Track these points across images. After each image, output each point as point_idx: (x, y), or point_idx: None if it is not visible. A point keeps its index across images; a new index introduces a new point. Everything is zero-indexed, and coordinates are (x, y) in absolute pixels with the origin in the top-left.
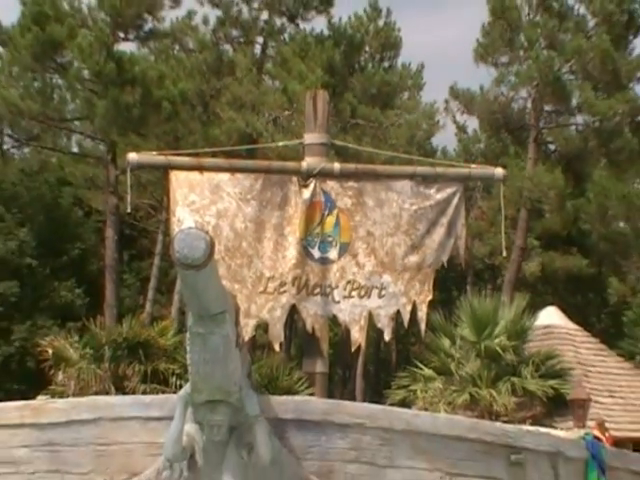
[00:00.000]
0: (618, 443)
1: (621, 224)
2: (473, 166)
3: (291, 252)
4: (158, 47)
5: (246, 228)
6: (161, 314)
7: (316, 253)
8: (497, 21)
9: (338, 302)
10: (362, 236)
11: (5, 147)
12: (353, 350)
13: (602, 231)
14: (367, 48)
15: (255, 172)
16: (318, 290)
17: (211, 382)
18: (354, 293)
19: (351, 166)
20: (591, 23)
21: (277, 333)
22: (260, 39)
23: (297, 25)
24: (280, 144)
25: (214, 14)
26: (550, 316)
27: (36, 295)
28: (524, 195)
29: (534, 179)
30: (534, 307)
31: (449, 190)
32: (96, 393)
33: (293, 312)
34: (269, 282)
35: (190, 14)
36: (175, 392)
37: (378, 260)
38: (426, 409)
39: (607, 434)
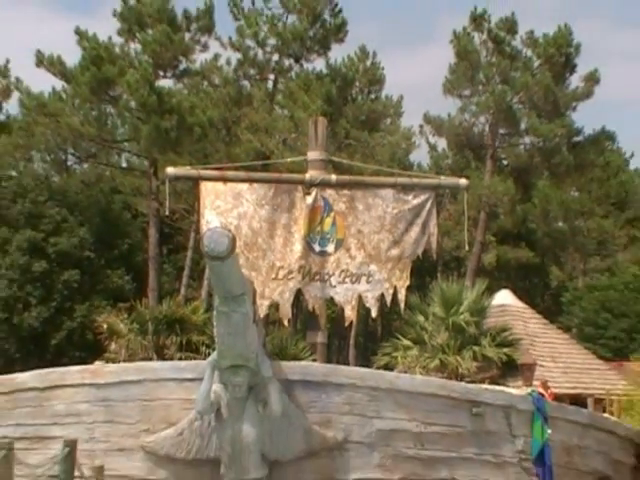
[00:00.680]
0: (557, 398)
1: (560, 224)
2: (442, 177)
3: (297, 246)
4: (190, 83)
5: (261, 227)
6: (193, 296)
7: (317, 247)
8: (461, 62)
9: (334, 287)
10: (353, 234)
11: (69, 163)
12: (346, 325)
13: (545, 229)
14: (357, 83)
15: (268, 182)
16: (318, 277)
17: (233, 351)
18: (347, 279)
19: (345, 177)
20: (536, 63)
21: (286, 311)
22: (272, 76)
23: (301, 65)
24: (288, 160)
25: (235, 56)
26: (504, 297)
27: (93, 281)
28: (483, 200)
29: (491, 188)
30: (491, 290)
31: (423, 197)
32: (141, 359)
33: (298, 294)
34: (279, 270)
35: (216, 56)
36: (205, 359)
37: (366, 253)
38: (405, 372)
39: (549, 391)
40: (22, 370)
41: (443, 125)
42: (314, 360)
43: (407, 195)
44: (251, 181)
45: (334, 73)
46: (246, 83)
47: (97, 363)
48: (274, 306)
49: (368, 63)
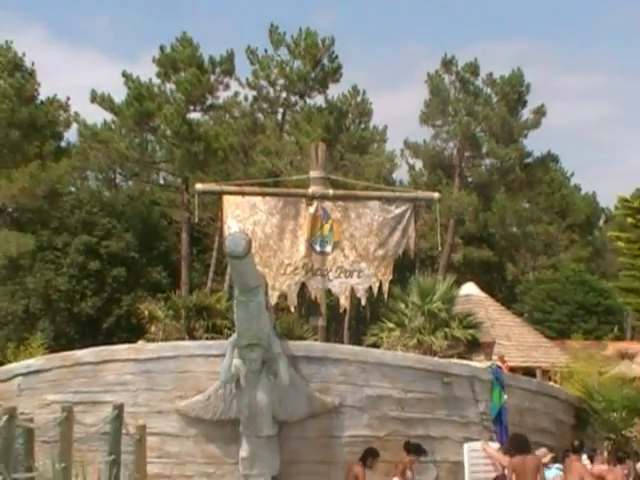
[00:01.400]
0: (512, 370)
1: (514, 229)
2: (419, 192)
3: (301, 247)
4: (215, 115)
5: (272, 232)
6: (217, 288)
7: (317, 248)
8: (434, 98)
9: (332, 280)
10: (347, 237)
11: (117, 181)
12: (341, 311)
13: (502, 233)
14: (350, 115)
15: (278, 196)
16: (319, 272)
17: (250, 332)
18: (342, 274)
19: (340, 192)
20: (494, 99)
21: (292, 300)
22: (281, 109)
23: (305, 100)
24: (294, 178)
25: (251, 94)
26: (469, 288)
27: (136, 276)
28: (452, 210)
29: (458, 200)
30: (458, 283)
31: (403, 207)
32: (175, 339)
33: (303, 286)
34: (287, 267)
35: (235, 94)
36: (227, 339)
37: (357, 253)
38: (389, 349)
39: (505, 364)
40: (80, 348)
41: (419, 149)
42: (315, 340)
43: (390, 206)
44: (264, 195)
45: (331, 107)
46: (260, 115)
47: (140, 342)
48: (283, 296)
49: (359, 99)
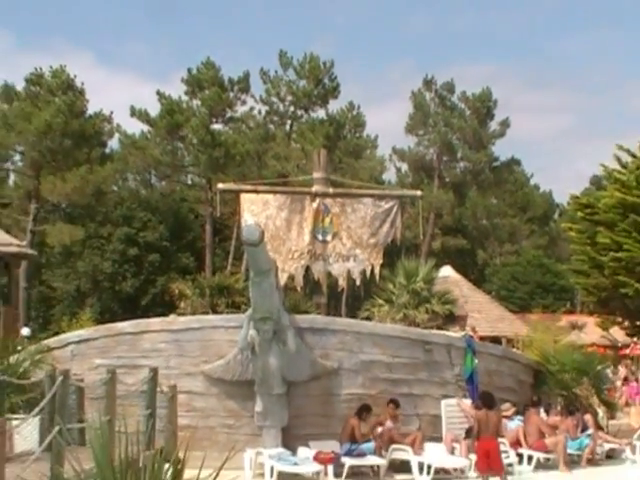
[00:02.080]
0: (482, 339)
1: (484, 221)
2: (404, 190)
3: (306, 237)
4: (233, 126)
5: (281, 224)
6: (236, 271)
7: (320, 237)
8: (417, 112)
9: (331, 264)
10: (345, 228)
11: (152, 181)
12: (340, 290)
13: (474, 225)
14: (347, 126)
15: (286, 194)
16: (321, 257)
17: (263, 308)
18: (340, 259)
19: (338, 190)
20: (467, 113)
21: (298, 281)
22: (289, 121)
23: (309, 114)
24: (300, 178)
25: (264, 108)
26: (446, 271)
27: (168, 261)
28: (432, 205)
29: (437, 197)
30: (437, 266)
31: (392, 203)
32: (201, 314)
33: (307, 269)
34: (294, 253)
35: (251, 108)
36: (244, 313)
37: (353, 241)
38: (379, 322)
39: (476, 334)
40: (121, 321)
41: (405, 154)
42: (318, 314)
43: (381, 202)
44: (275, 193)
45: (331, 119)
46: (271, 126)
47: (171, 316)
48: (290, 277)
49: (354, 112)
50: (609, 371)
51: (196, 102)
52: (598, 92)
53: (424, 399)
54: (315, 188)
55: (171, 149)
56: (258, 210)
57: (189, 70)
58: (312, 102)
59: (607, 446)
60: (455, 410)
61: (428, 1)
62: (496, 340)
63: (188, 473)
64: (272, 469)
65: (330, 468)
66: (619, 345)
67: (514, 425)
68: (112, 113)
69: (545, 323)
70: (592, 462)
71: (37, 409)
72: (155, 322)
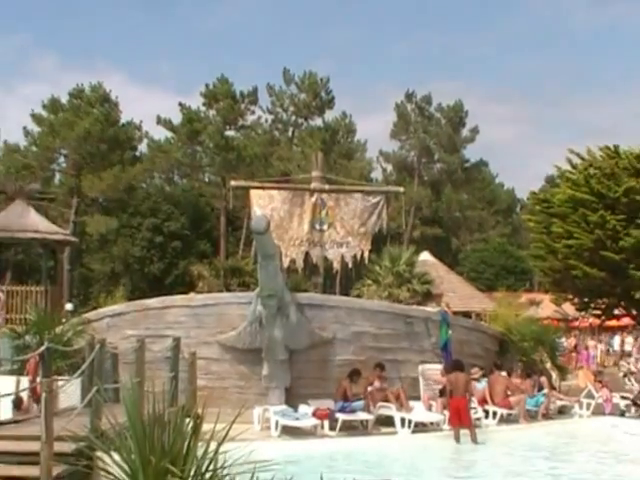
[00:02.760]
0: (455, 313)
1: (457, 213)
2: (389, 187)
3: (306, 226)
4: (244, 132)
5: (284, 216)
6: (246, 256)
7: (317, 227)
8: (400, 120)
9: (327, 250)
10: (339, 219)
11: (175, 179)
12: (334, 272)
13: (448, 216)
14: (340, 132)
15: (288, 190)
16: (318, 244)
17: (269, 286)
18: (335, 245)
19: (333, 187)
20: (443, 121)
21: (299, 264)
22: (291, 128)
23: (308, 122)
24: (300, 177)
25: (270, 117)
26: (425, 256)
27: (189, 247)
28: (413, 200)
29: (417, 193)
30: (417, 252)
31: (378, 198)
32: (216, 292)
33: (307, 254)
34: (295, 240)
35: (259, 117)
36: (253, 291)
37: (346, 230)
38: (368, 299)
39: (450, 309)
40: (149, 298)
41: (390, 156)
42: (315, 292)
43: (369, 197)
44: (279, 189)
45: (327, 127)
46: (276, 133)
47: (191, 294)
48: (292, 261)
49: (347, 121)
50: (564, 340)
51: (212, 112)
52: (551, 104)
53: (405, 364)
54: (313, 185)
55: (191, 152)
56: (265, 204)
57: (206, 85)
58: (311, 112)
59: (559, 403)
60: (431, 373)
61: (409, 28)
62: (467, 314)
63: (205, 427)
64: (277, 423)
65: (326, 423)
66: (569, 318)
67: (481, 386)
68: (141, 122)
69: (508, 300)
70: (546, 416)
71: (79, 372)
72: (177, 299)
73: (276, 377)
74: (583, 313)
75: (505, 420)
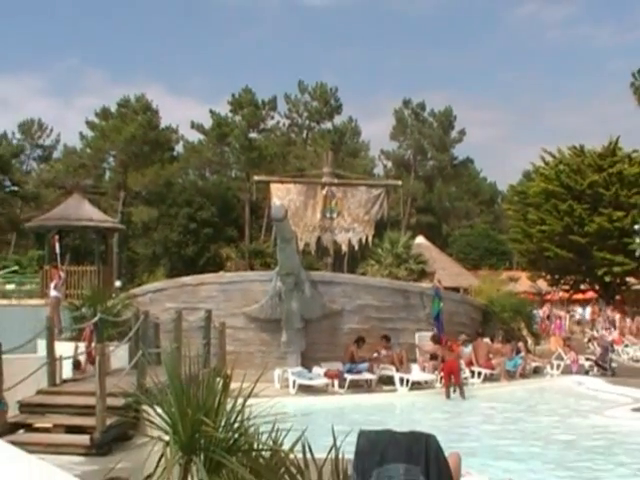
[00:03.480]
0: (445, 288)
1: (447, 203)
2: (389, 180)
3: (318, 215)
4: (265, 135)
5: (300, 206)
6: (267, 240)
7: (328, 215)
8: (398, 124)
9: (336, 235)
10: (346, 208)
11: (206, 175)
12: (342, 254)
13: (440, 206)
14: (347, 134)
15: (303, 184)
16: (328, 230)
17: (287, 266)
18: (343, 231)
19: (342, 181)
20: (435, 125)
21: (312, 247)
22: (305, 131)
23: (320, 125)
24: (313, 172)
25: (287, 122)
26: (420, 240)
27: (218, 233)
28: (409, 192)
29: (413, 186)
30: (413, 236)
31: (380, 190)
32: (242, 271)
33: (319, 239)
34: (309, 227)
35: (277, 122)
36: (273, 270)
37: (352, 218)
38: (371, 276)
39: (441, 285)
40: (185, 276)
41: (390, 155)
42: (326, 271)
43: (372, 189)
44: (295, 182)
45: (336, 130)
46: (292, 135)
47: (220, 273)
48: (306, 244)
49: (353, 124)
50: (541, 312)
51: (238, 117)
52: (526, 111)
53: (404, 332)
54: (324, 179)
55: (220, 152)
56: (283, 195)
57: (232, 95)
58: (322, 117)
59: (534, 364)
60: (425, 340)
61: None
62: (455, 289)
63: (233, 385)
64: (294, 382)
65: (336, 382)
66: (543, 292)
67: (467, 350)
68: (178, 127)
69: (490, 277)
70: (523, 376)
71: (126, 338)
72: (209, 277)
73: (293, 343)
74: (554, 288)
75: (488, 379)
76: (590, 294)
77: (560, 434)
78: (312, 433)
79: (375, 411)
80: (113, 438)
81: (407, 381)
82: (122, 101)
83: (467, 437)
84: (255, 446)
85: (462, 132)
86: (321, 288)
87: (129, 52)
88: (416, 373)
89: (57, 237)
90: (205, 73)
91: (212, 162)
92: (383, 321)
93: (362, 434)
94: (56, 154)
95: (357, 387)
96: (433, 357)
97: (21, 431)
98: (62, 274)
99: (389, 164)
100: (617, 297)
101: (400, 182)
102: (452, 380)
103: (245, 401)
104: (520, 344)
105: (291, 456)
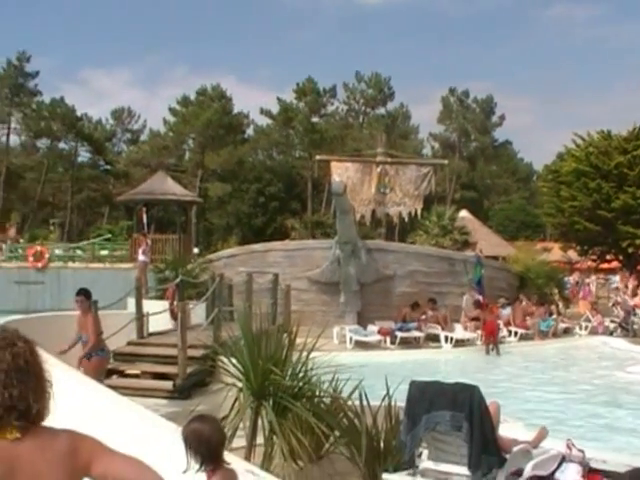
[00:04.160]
0: (486, 257)
1: (488, 181)
2: (436, 159)
3: (373, 190)
4: (325, 119)
5: (357, 182)
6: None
7: (382, 190)
8: (445, 109)
9: (389, 208)
10: (397, 185)
11: (274, 155)
12: (394, 225)
13: (481, 184)
14: (399, 119)
15: (359, 162)
16: (382, 204)
17: (345, 235)
18: (394, 205)
19: (394, 159)
20: (477, 110)
21: (367, 218)
22: (362, 116)
23: (374, 110)
24: (369, 152)
25: (345, 107)
26: (464, 213)
27: (284, 206)
28: (454, 170)
29: (458, 165)
30: (458, 210)
31: (428, 168)
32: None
33: (373, 212)
34: (365, 201)
35: (337, 107)
36: (332, 239)
37: (403, 193)
38: (420, 245)
39: (482, 254)
40: (255, 243)
41: (437, 137)
42: (380, 240)
43: (421, 168)
44: (352, 161)
45: (389, 114)
46: (350, 119)
47: (286, 241)
48: (362, 216)
49: (404, 109)
50: (571, 279)
51: (301, 104)
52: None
53: (448, 295)
54: (378, 158)
55: (285, 134)
56: (342, 172)
57: (297, 84)
58: (376, 103)
59: (564, 325)
60: (468, 302)
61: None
62: (495, 258)
63: (298, 340)
64: (351, 339)
65: (388, 338)
66: (573, 262)
67: (506, 312)
68: (249, 112)
69: (526, 247)
70: (555, 335)
71: (204, 298)
72: (276, 244)
73: (350, 303)
74: (583, 257)
75: (524, 338)
76: (614, 264)
77: (586, 386)
78: (367, 383)
79: (423, 365)
80: (193, 384)
81: (451, 339)
82: (200, 90)
83: (503, 388)
84: (317, 393)
85: (502, 117)
86: (375, 255)
87: (206, 48)
88: (459, 332)
89: (144, 209)
90: (273, 65)
91: (279, 143)
92: (430, 285)
93: (413, 384)
94: (143, 137)
95: (407, 344)
96: (475, 318)
97: (115, 376)
98: (148, 241)
99: (436, 145)
100: (639, 267)
101: (446, 161)
102: (491, 338)
103: (308, 354)
104: (552, 307)
105: (349, 402)
